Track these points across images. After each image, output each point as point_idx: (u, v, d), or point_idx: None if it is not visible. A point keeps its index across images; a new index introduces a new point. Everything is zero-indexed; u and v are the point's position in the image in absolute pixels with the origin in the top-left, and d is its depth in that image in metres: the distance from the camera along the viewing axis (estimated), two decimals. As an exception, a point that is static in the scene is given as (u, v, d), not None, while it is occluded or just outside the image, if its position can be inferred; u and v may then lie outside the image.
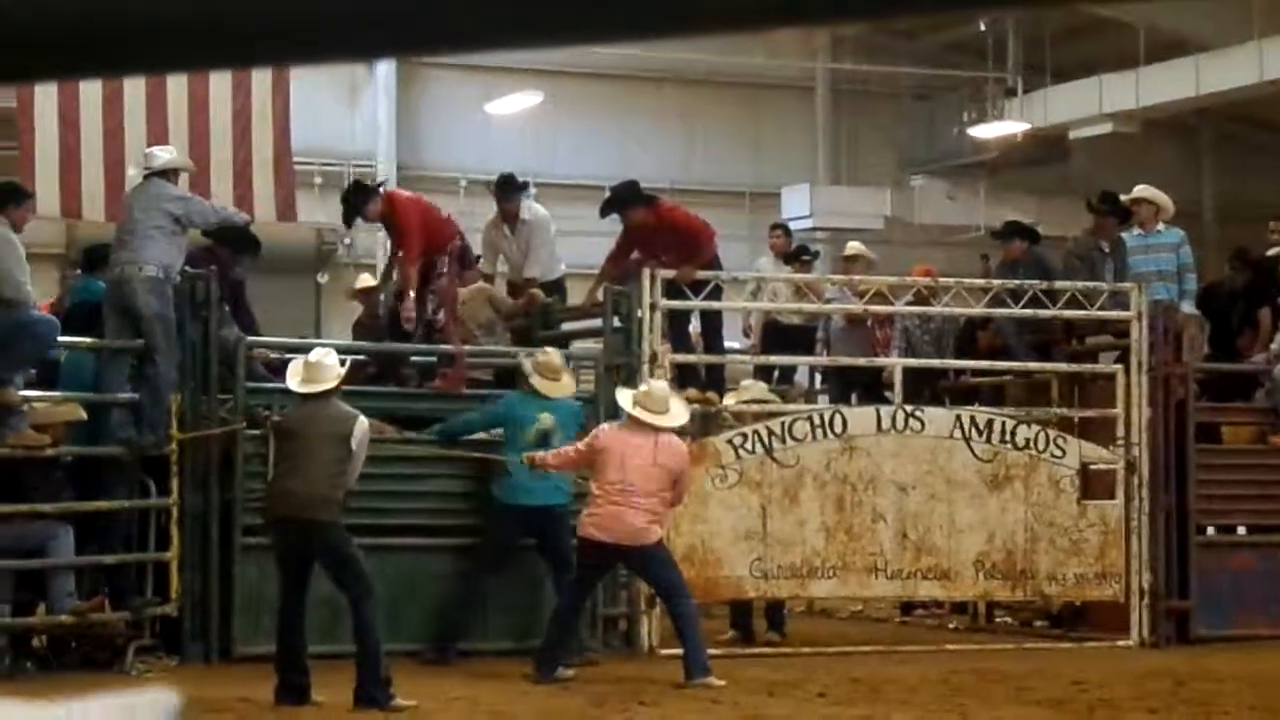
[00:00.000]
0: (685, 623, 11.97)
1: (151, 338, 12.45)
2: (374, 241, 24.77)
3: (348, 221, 15.07)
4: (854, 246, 17.80)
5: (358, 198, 14.49)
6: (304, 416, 10.81)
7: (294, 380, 10.88)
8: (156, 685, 11.25)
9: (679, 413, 12.31)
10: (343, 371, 10.92)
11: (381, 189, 14.82)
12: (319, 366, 10.81)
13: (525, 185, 16.14)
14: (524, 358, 13.09)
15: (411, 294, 13.76)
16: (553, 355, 13.07)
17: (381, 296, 15.47)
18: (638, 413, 12.03)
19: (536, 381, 12.75)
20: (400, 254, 14.30)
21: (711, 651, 12.13)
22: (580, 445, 12.25)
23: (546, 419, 12.88)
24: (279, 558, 10.88)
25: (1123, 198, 15.91)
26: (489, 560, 13.07)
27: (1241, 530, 15.21)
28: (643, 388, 12.48)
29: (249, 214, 15.93)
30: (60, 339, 12.48)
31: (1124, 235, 15.75)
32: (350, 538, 10.72)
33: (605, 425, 12.39)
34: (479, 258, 15.40)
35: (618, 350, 13.92)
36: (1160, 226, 15.86)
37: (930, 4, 2.90)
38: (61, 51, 2.26)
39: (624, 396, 12.32)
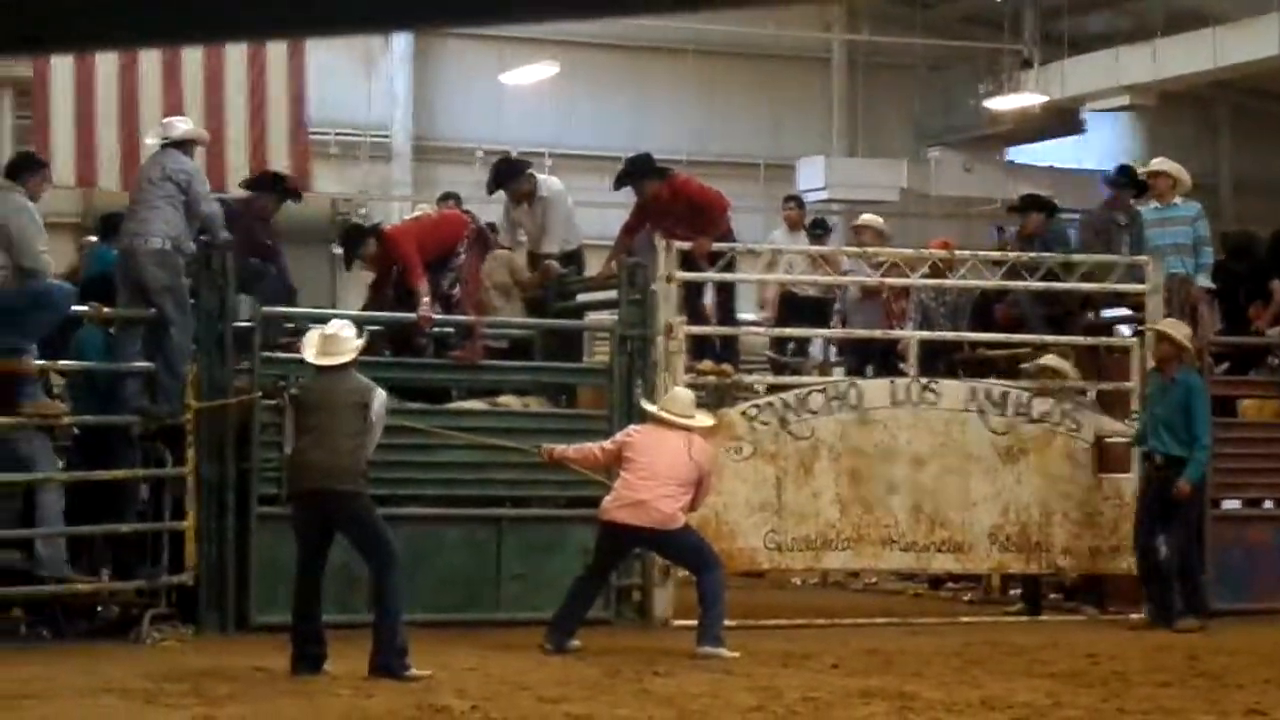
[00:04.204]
0: (708, 592, 12.01)
1: (162, 310, 12.47)
2: (389, 211, 24.77)
3: (348, 264, 15.08)
4: (866, 219, 17.77)
5: (352, 241, 14.55)
6: (323, 389, 10.80)
7: (310, 352, 10.87)
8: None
9: (704, 418, 12.44)
10: (360, 344, 10.93)
11: (379, 227, 14.96)
12: (336, 339, 10.80)
13: (526, 165, 16.01)
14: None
15: (425, 301, 13.69)
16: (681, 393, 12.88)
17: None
18: (664, 414, 12.16)
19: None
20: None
21: (724, 622, 12.14)
22: (607, 444, 12.36)
23: None
24: (299, 530, 10.87)
25: (1140, 170, 15.85)
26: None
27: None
28: (668, 395, 12.64)
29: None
30: (75, 308, 12.49)
31: (1141, 208, 15.71)
32: (374, 507, 10.73)
33: (634, 426, 12.53)
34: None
35: (633, 322, 13.91)
36: (1177, 200, 15.80)
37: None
38: (78, 22, 2.26)
39: (649, 405, 12.58)
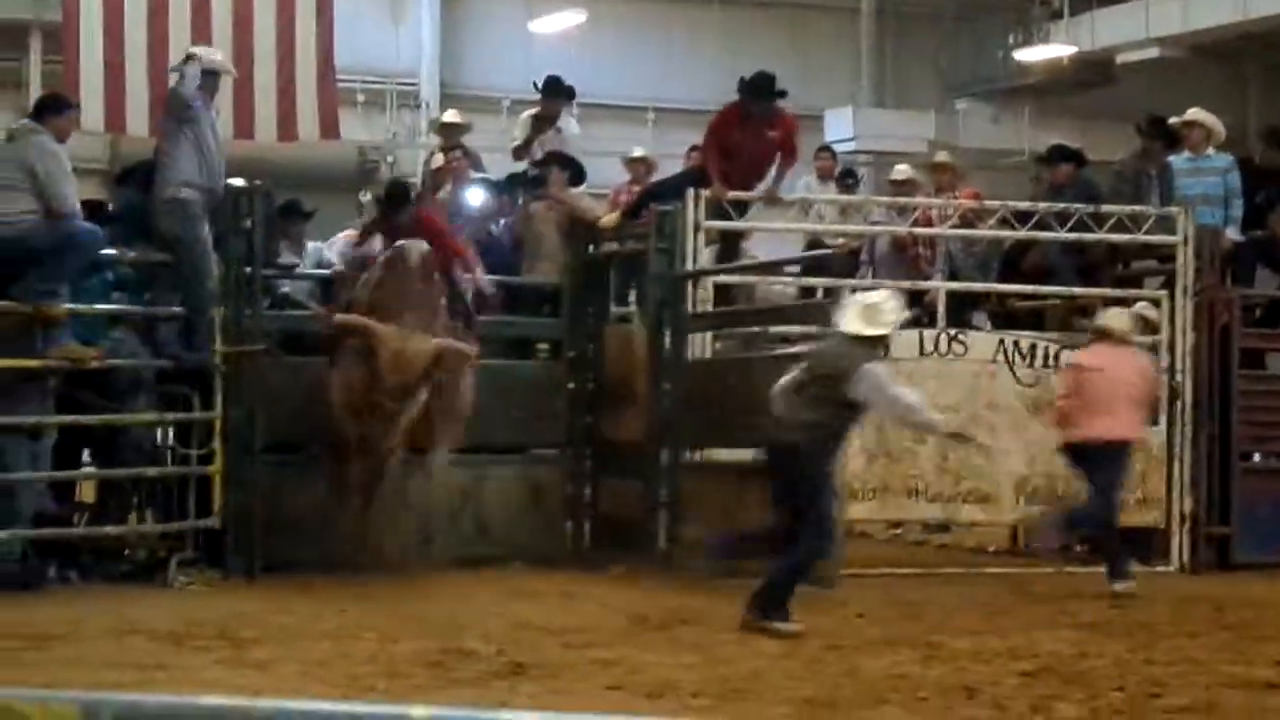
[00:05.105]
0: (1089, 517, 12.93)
1: (181, 258, 12.49)
2: (417, 159, 24.76)
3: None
4: (902, 170, 17.71)
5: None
6: (827, 350, 10.92)
7: (852, 321, 10.72)
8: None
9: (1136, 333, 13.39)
10: (899, 319, 11.11)
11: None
12: (879, 310, 10.80)
13: (571, 92, 16.28)
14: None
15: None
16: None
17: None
18: (1112, 327, 13.09)
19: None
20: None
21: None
22: (1065, 384, 13.17)
23: None
24: (770, 480, 10.92)
25: (1175, 120, 15.76)
26: None
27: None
28: (1109, 313, 13.44)
29: (294, 132, 15.90)
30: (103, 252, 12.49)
31: (1173, 158, 15.62)
32: (826, 473, 10.70)
33: (1072, 352, 13.49)
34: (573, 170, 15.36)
35: (662, 270, 13.88)
36: (1210, 150, 15.72)
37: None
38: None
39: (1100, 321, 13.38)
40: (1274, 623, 11.34)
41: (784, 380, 10.70)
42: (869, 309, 10.73)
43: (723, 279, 14.50)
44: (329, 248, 15.04)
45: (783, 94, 14.75)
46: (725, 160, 14.42)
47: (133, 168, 13.77)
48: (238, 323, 12.79)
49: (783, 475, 10.65)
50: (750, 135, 14.49)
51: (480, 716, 1.38)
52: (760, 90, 14.58)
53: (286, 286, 14.30)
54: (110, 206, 14.04)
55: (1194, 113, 15.89)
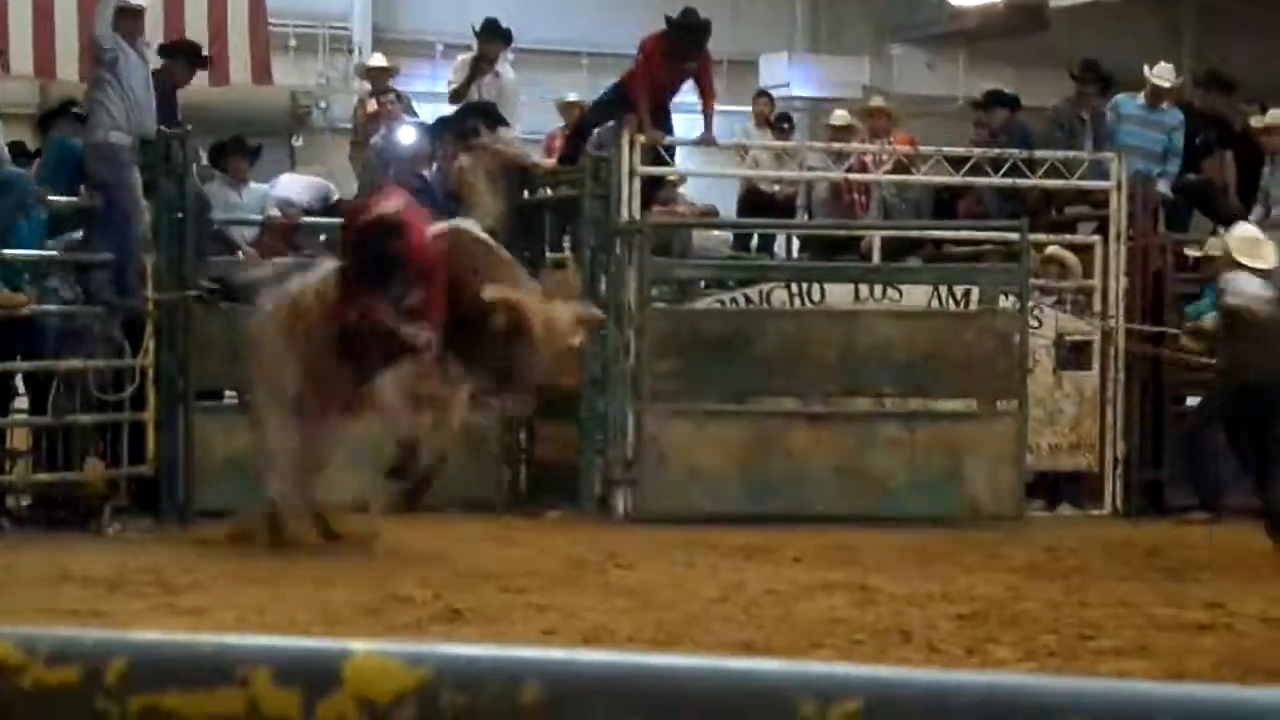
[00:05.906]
0: None
1: (111, 203, 12.38)
2: (350, 104, 24.60)
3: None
4: (841, 116, 17.67)
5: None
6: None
7: (1245, 255, 11.15)
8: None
9: None
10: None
11: None
12: (1263, 243, 11.14)
13: (508, 35, 16.20)
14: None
15: None
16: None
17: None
18: None
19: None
20: None
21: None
22: None
23: None
24: (1235, 416, 11.35)
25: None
26: None
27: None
28: None
29: (226, 76, 15.78)
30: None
31: (1125, 100, 15.59)
32: None
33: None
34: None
35: (596, 216, 13.86)
36: (1163, 104, 15.65)
37: None
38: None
39: None
40: (1205, 566, 11.42)
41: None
42: (1253, 243, 11.00)
43: (658, 220, 14.48)
44: (272, 189, 14.95)
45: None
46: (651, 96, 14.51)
47: (54, 110, 13.63)
48: (170, 268, 12.70)
49: (1265, 413, 11.02)
50: (671, 68, 14.62)
51: (422, 650, 1.39)
52: (693, 40, 14.69)
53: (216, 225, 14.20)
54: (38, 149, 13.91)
55: (1168, 74, 15.72)
